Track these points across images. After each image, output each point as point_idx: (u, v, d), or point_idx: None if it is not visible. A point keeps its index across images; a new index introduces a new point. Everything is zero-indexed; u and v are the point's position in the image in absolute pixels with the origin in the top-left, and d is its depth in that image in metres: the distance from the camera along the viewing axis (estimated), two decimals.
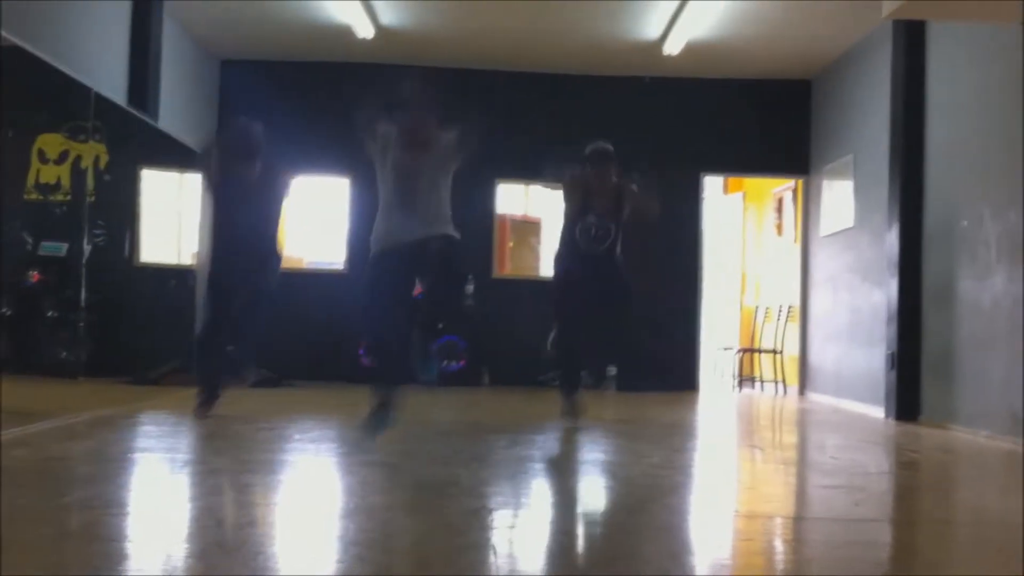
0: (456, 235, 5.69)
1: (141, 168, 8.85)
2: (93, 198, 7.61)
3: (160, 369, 8.97)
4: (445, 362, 10.85)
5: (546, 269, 11.79)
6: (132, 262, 8.57)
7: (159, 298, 9.33)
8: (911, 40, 8.63)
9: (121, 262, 8.33)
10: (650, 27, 9.95)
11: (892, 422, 8.39)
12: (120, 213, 8.38)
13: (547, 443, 6.44)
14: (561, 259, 7.38)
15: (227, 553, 3.24)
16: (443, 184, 5.75)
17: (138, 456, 5.42)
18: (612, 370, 11.17)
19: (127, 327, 8.39)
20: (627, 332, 7.48)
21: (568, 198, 7.30)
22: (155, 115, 9.09)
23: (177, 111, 9.85)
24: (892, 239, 8.74)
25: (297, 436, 6.27)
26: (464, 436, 6.74)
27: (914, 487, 5.43)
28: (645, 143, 11.14)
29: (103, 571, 2.83)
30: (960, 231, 7.74)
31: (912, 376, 8.44)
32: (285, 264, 11.19)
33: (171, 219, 9.58)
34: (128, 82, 8.92)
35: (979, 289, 7.39)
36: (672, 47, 10.24)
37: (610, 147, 7.20)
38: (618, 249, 7.29)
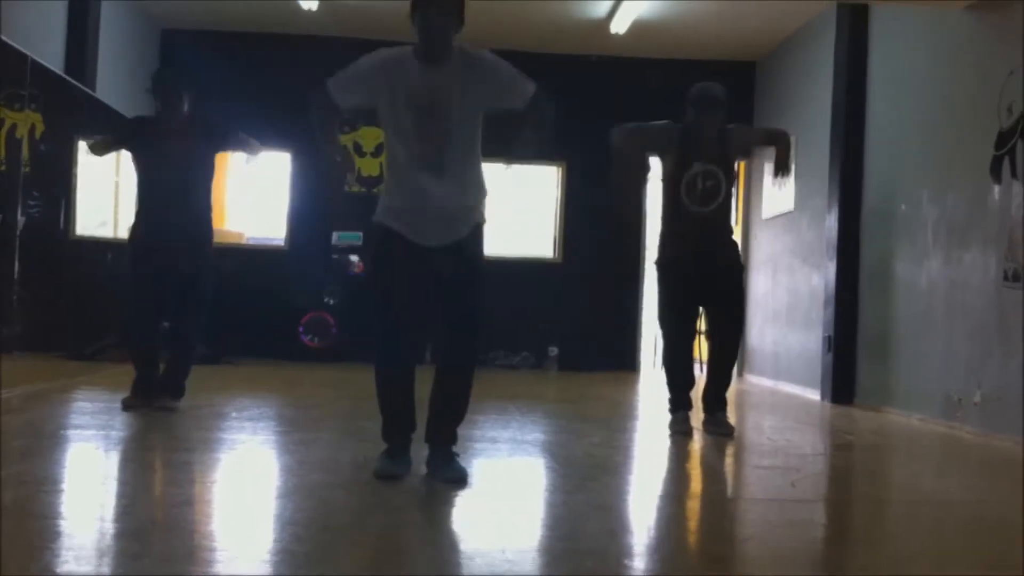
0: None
1: (78, 139, 8.67)
2: (28, 168, 7.45)
3: (95, 344, 8.83)
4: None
5: (506, 249, 11.77)
6: (68, 235, 8.41)
7: (95, 272, 9.17)
8: (854, 24, 8.71)
9: (56, 234, 8.17)
10: (597, 6, 9.94)
11: (828, 404, 8.50)
12: (56, 184, 8.21)
13: (488, 423, 6.44)
14: (664, 246, 6.16)
15: (162, 531, 3.20)
16: (478, 129, 4.26)
17: (72, 432, 5.34)
18: (554, 350, 11.22)
19: (62, 301, 8.24)
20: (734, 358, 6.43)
21: (662, 152, 6.16)
22: (92, 84, 8.92)
23: (116, 81, 9.67)
24: (831, 222, 8.83)
25: (235, 414, 6.20)
26: None
27: (848, 468, 5.51)
28: (590, 122, 11.14)
29: (37, 547, 2.79)
30: (899, 214, 7.84)
31: (848, 359, 8.56)
32: (225, 238, 11.08)
33: (108, 191, 9.42)
34: (65, 50, 8.74)
35: (916, 272, 7.50)
36: (619, 26, 10.24)
37: (721, 89, 6.13)
38: (730, 215, 6.26)
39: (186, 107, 5.98)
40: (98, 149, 6.33)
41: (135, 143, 6.05)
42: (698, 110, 6.03)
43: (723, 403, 6.12)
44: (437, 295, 4.19)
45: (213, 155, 6.12)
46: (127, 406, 5.81)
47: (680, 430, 5.95)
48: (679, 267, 6.00)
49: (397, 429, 4.20)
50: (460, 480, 4.02)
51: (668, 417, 6.10)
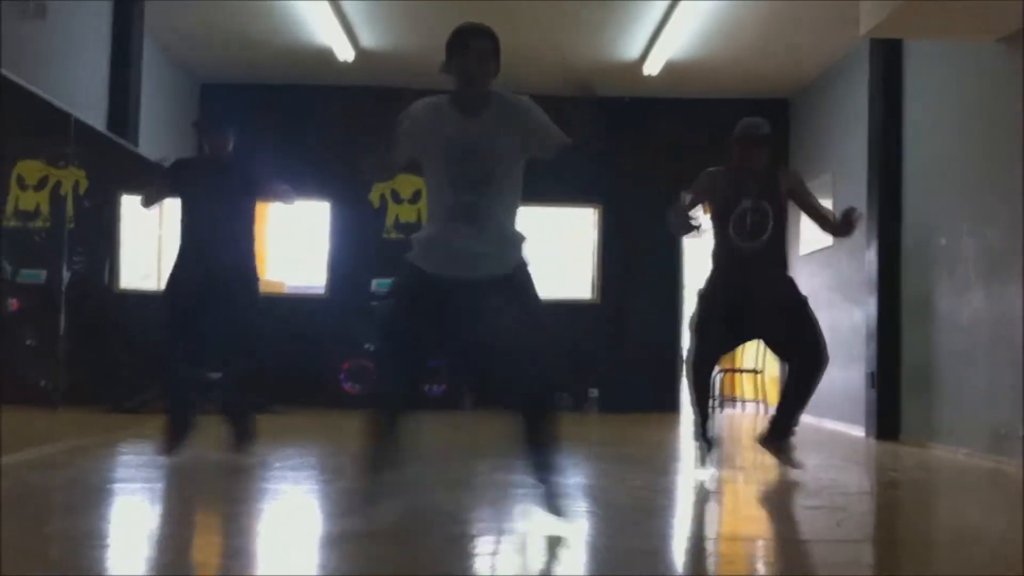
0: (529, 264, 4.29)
1: (121, 194, 8.81)
2: (73, 224, 7.58)
3: (140, 397, 8.91)
4: (427, 386, 10.83)
5: (574, 292, 11.77)
6: (112, 288, 8.53)
7: (139, 325, 9.28)
8: (888, 59, 8.70)
9: (101, 289, 8.29)
10: (630, 47, 10.00)
11: (872, 441, 8.41)
12: (99, 239, 8.34)
13: (528, 467, 6.42)
14: (711, 280, 6.09)
15: None
16: (518, 177, 4.20)
17: (117, 486, 5.38)
18: (594, 391, 11.18)
19: (107, 354, 8.34)
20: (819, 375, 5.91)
21: (710, 195, 6.18)
22: (135, 140, 9.07)
23: (157, 136, 9.83)
24: (871, 257, 8.78)
25: (278, 464, 6.23)
26: (446, 460, 6.72)
27: (895, 506, 5.44)
28: (625, 163, 11.18)
29: None
30: (938, 248, 7.78)
31: (892, 394, 8.47)
32: (266, 287, 11.19)
33: (151, 245, 9.55)
34: (108, 107, 8.91)
35: (958, 306, 7.43)
36: (652, 67, 10.30)
37: (766, 124, 6.14)
38: (784, 249, 6.12)
39: (230, 147, 6.00)
40: (147, 201, 6.28)
41: (180, 185, 6.01)
42: (744, 146, 6.03)
43: (787, 431, 5.97)
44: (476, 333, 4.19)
45: (254, 198, 6.10)
46: (164, 451, 5.79)
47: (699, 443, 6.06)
48: (720, 296, 5.93)
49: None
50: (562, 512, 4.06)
51: (708, 457, 6.11)
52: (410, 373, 4.27)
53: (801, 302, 5.98)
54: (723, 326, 5.90)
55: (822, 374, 5.78)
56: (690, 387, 6.10)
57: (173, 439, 5.81)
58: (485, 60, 4.11)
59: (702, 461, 6.05)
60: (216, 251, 5.78)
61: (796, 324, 5.89)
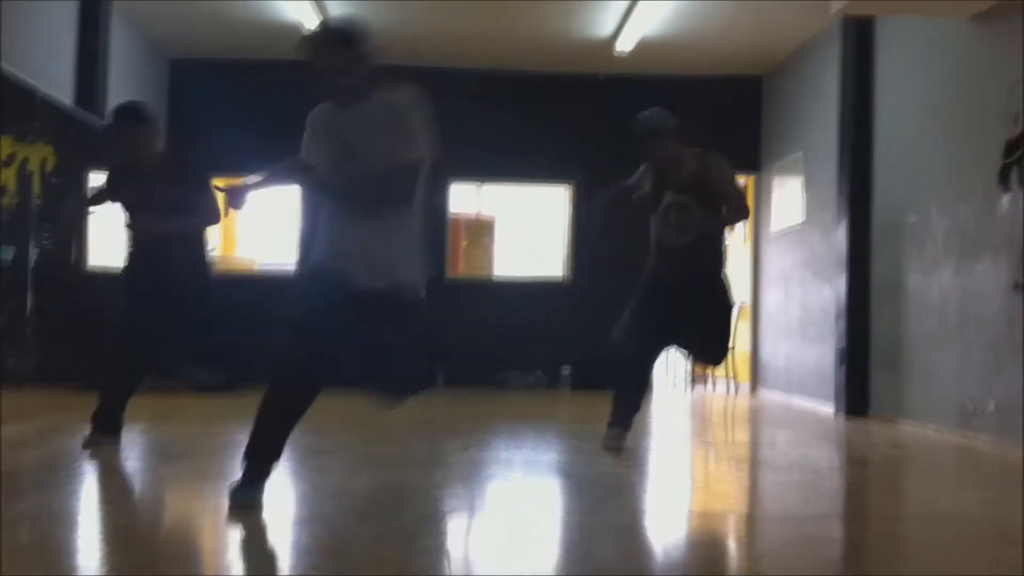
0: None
1: (89, 171, 8.72)
2: (40, 202, 7.49)
3: None
4: None
5: (547, 271, 11.79)
6: (80, 267, 8.45)
7: (108, 303, 9.21)
8: (860, 37, 8.73)
9: (69, 267, 8.21)
10: (602, 25, 9.97)
11: (842, 417, 8.48)
12: (67, 217, 8.25)
13: (501, 444, 6.44)
14: (645, 269, 6.10)
15: (179, 561, 3.21)
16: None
17: (87, 465, 5.35)
18: (566, 369, 11.21)
19: (75, 333, 8.27)
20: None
21: (644, 190, 6.01)
22: (103, 116, 8.97)
23: None
24: (841, 235, 8.82)
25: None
26: (418, 439, 6.72)
27: (864, 483, 5.49)
28: (598, 140, 11.19)
29: None
30: (908, 226, 7.83)
31: (861, 371, 8.54)
32: (235, 266, 11.12)
33: (119, 223, 9.44)
34: (75, 83, 8.81)
35: (927, 284, 7.49)
36: (624, 44, 10.27)
37: (658, 115, 5.88)
38: (719, 248, 5.93)
39: (155, 145, 5.63)
40: (93, 203, 5.97)
41: (117, 198, 5.67)
42: (642, 142, 5.84)
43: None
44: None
45: (203, 199, 5.51)
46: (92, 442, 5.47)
47: (611, 446, 5.77)
48: (651, 291, 5.92)
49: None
50: None
51: (679, 434, 6.10)
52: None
53: (724, 310, 5.90)
54: (651, 326, 5.86)
55: None
56: (626, 378, 5.94)
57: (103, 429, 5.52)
58: (329, 58, 4.05)
59: (615, 445, 5.81)
60: (161, 266, 5.50)
61: (712, 333, 5.88)
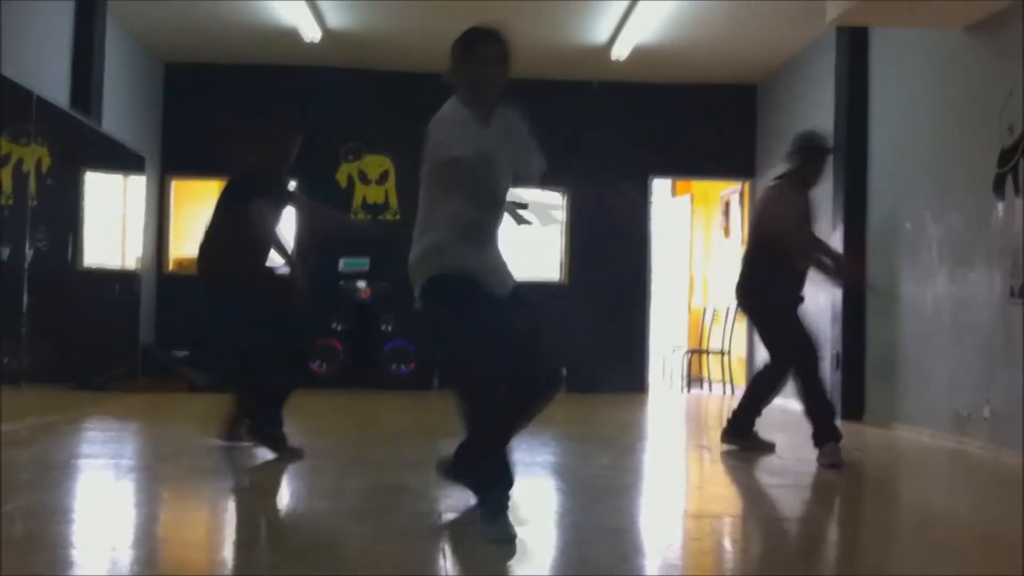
0: None
1: (84, 171, 8.72)
2: (35, 202, 7.49)
3: (105, 374, 8.86)
4: (395, 366, 10.82)
5: (542, 273, 11.77)
6: (75, 266, 8.44)
7: (103, 302, 9.21)
8: (854, 46, 8.76)
9: (64, 266, 8.20)
10: (598, 32, 9.99)
11: (838, 421, 8.47)
12: (63, 217, 8.25)
13: None
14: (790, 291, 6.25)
15: (174, 559, 3.21)
16: None
17: (82, 462, 5.35)
18: (562, 371, 11.20)
19: (71, 332, 8.26)
20: None
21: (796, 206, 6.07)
22: (98, 118, 8.98)
23: (121, 114, 9.74)
24: (836, 242, 8.83)
25: (244, 443, 6.21)
26: (413, 439, 6.72)
27: (859, 486, 5.50)
28: (594, 147, 11.21)
29: None
30: (903, 233, 7.85)
31: (857, 376, 8.55)
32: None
33: (115, 223, 9.45)
34: (71, 85, 8.81)
35: (922, 290, 7.50)
36: (620, 52, 10.29)
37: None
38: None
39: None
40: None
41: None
42: (817, 159, 6.12)
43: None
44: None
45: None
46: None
47: (838, 461, 5.74)
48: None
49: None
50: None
51: (674, 437, 6.13)
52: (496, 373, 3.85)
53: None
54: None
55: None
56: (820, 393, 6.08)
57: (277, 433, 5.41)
58: (507, 69, 3.93)
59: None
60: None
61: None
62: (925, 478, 5.76)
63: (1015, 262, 6.31)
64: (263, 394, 5.40)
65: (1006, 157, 6.47)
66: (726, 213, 12.92)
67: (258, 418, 5.34)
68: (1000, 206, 6.50)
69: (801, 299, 6.23)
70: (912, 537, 4.07)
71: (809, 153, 6.09)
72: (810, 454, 6.47)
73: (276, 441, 5.29)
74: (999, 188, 6.52)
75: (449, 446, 6.17)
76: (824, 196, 9.20)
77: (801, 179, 6.07)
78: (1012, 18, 6.47)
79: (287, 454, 5.26)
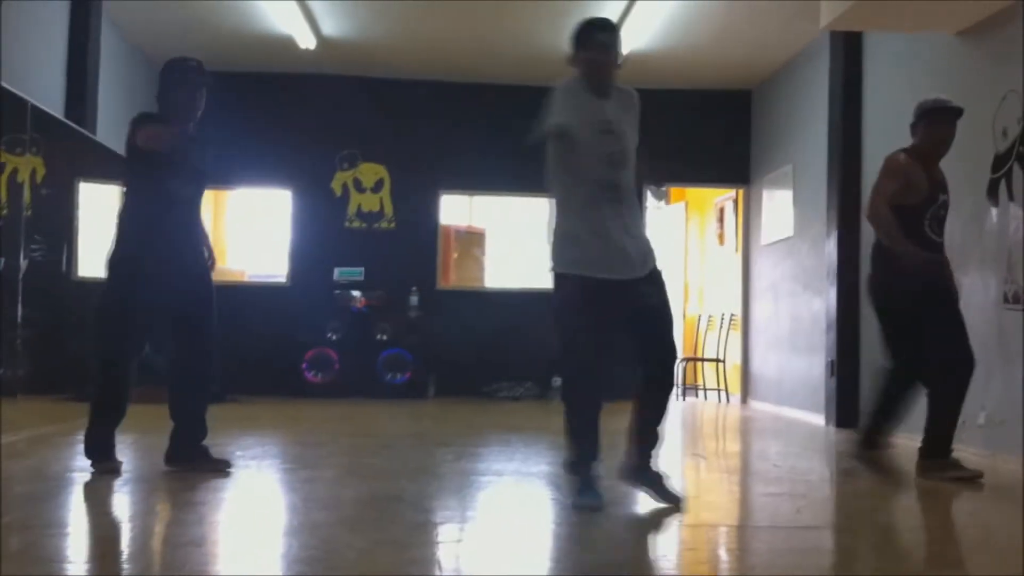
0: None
1: (79, 181, 8.71)
2: (30, 212, 7.48)
3: None
4: (390, 375, 10.81)
5: (537, 282, 11.76)
6: (70, 277, 8.43)
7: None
8: (848, 50, 8.78)
9: (59, 277, 8.19)
10: None
11: (832, 428, 8.49)
12: (58, 227, 8.24)
13: (492, 456, 6.44)
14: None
15: (169, 573, 3.20)
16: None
17: (78, 475, 5.33)
18: (557, 380, 11.20)
19: (66, 343, 8.25)
20: None
21: (912, 182, 5.49)
22: (93, 127, 8.98)
23: (115, 123, 9.72)
24: (831, 248, 8.86)
25: (239, 453, 6.20)
26: (410, 449, 6.72)
27: (854, 494, 5.50)
28: None
29: None
30: None
31: (851, 383, 8.56)
32: (226, 276, 11.11)
33: (110, 233, 9.43)
34: (66, 93, 8.81)
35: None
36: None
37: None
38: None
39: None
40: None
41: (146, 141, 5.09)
42: (948, 122, 5.56)
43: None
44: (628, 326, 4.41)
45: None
46: (105, 470, 5.06)
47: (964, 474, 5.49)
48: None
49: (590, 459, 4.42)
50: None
51: (670, 445, 6.10)
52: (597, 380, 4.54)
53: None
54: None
55: None
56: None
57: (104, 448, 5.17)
58: (613, 51, 4.39)
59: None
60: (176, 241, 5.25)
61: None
62: (920, 486, 5.75)
63: (1009, 268, 6.32)
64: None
65: (1000, 162, 6.49)
66: (720, 220, 12.93)
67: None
68: (994, 211, 6.51)
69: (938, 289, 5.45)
70: (908, 545, 4.07)
71: (935, 117, 5.56)
72: (806, 462, 6.46)
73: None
74: (993, 193, 6.53)
75: (444, 455, 6.19)
76: (818, 201, 9.23)
77: (927, 151, 5.55)
78: (1005, 23, 6.50)
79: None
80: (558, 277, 4.32)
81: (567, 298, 4.28)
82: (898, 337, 5.55)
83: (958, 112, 5.59)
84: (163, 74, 5.36)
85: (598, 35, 4.37)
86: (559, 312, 4.39)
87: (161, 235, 5.10)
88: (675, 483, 4.83)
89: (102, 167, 9.29)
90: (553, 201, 4.50)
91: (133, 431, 6.33)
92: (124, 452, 5.79)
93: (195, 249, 5.31)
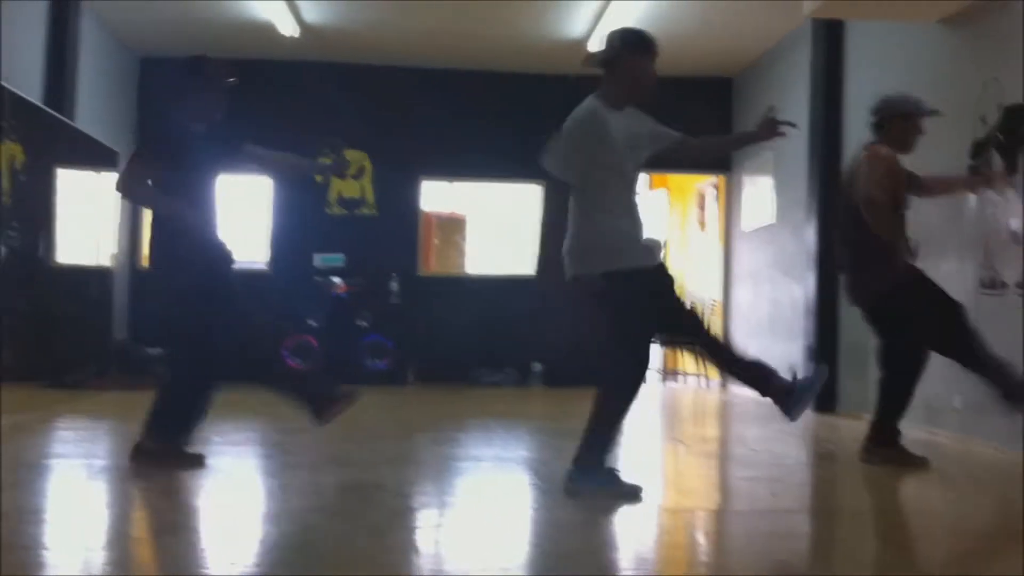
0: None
1: (57, 168, 8.67)
2: (8, 199, 7.44)
3: (78, 372, 8.81)
4: (371, 361, 10.81)
5: (488, 267, 11.82)
6: (48, 263, 8.39)
7: (76, 300, 9.16)
8: (829, 38, 8.80)
9: (37, 264, 8.15)
10: (575, 26, 10.00)
11: (811, 413, 8.53)
12: (36, 214, 8.20)
13: (471, 441, 6.46)
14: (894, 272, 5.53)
15: (147, 559, 3.21)
16: None
17: (55, 462, 5.33)
18: (538, 366, 11.23)
19: (44, 330, 8.22)
20: None
21: (902, 180, 5.60)
22: (72, 114, 8.93)
23: (95, 110, 9.68)
24: (811, 234, 8.89)
25: (218, 439, 6.20)
26: (389, 436, 6.72)
27: (830, 478, 5.54)
28: None
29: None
30: None
31: (830, 367, 8.59)
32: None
33: (88, 220, 9.41)
34: (44, 80, 8.75)
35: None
36: (597, 45, 10.29)
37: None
38: None
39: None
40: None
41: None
42: (918, 125, 5.66)
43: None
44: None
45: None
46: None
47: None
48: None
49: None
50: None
51: (650, 430, 6.12)
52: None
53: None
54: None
55: None
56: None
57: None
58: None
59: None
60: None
61: None
62: (895, 469, 5.79)
63: (987, 254, 6.36)
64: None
65: (979, 149, 6.52)
66: (702, 207, 12.96)
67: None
68: (972, 198, 6.55)
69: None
70: (885, 528, 4.11)
71: (916, 119, 5.62)
72: (784, 446, 6.50)
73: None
74: None
75: (424, 441, 6.20)
76: (799, 188, 9.26)
77: (902, 149, 5.61)
78: (986, 11, 6.52)
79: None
80: (627, 274, 4.31)
81: (644, 291, 4.33)
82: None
83: (927, 113, 5.70)
84: (184, 73, 5.19)
85: (654, 48, 4.54)
86: (633, 306, 4.34)
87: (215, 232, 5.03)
88: (654, 468, 4.86)
89: (81, 153, 9.25)
90: (573, 201, 4.50)
91: (112, 418, 6.34)
92: (102, 439, 5.79)
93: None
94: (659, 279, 4.44)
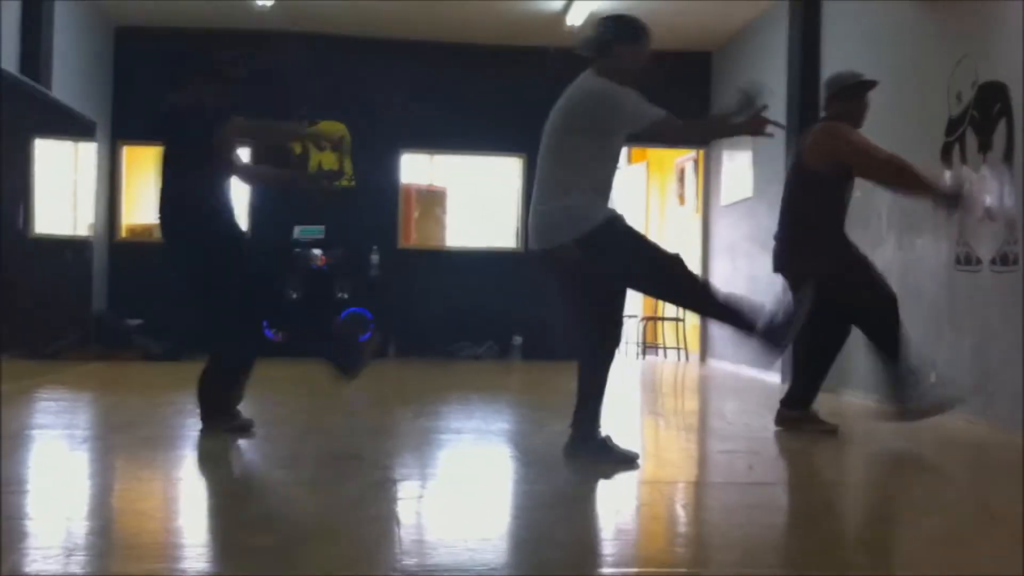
0: None
1: (34, 138, 8.61)
2: None
3: (57, 343, 8.79)
4: (350, 333, 10.81)
5: (468, 240, 11.83)
6: (26, 234, 8.35)
7: (55, 270, 9.12)
8: (807, 14, 8.83)
9: (14, 234, 8.11)
10: None
11: (787, 387, 8.59)
12: (13, 185, 8.15)
13: (452, 414, 6.49)
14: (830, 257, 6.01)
15: (129, 529, 3.23)
16: None
17: (36, 432, 5.33)
18: (517, 339, 11.27)
19: (22, 300, 8.19)
20: None
21: (837, 157, 5.86)
22: (48, 83, 8.86)
23: (70, 79, 9.61)
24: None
25: (198, 411, 6.21)
26: (369, 408, 6.75)
27: (806, 451, 5.60)
28: (549, 113, 11.19)
29: (5, 547, 2.80)
30: (853, 202, 7.92)
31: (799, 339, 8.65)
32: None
33: (66, 190, 9.36)
34: (20, 49, 8.67)
35: (871, 257, 7.58)
36: (575, 18, 10.29)
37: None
38: None
39: None
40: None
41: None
42: (860, 100, 5.87)
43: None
44: None
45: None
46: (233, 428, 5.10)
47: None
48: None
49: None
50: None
51: (629, 404, 6.17)
52: None
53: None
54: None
55: None
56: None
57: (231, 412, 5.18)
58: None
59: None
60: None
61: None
62: (870, 443, 5.86)
63: (961, 231, 6.42)
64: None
65: (953, 126, 6.57)
66: (681, 181, 12.99)
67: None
68: (947, 175, 6.60)
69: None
70: (855, 501, 4.17)
71: (863, 91, 5.84)
72: (761, 420, 6.57)
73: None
74: (946, 157, 6.61)
75: (404, 414, 6.22)
76: (777, 162, 9.30)
77: (855, 124, 5.80)
78: None
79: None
80: (612, 221, 4.54)
81: (618, 235, 4.54)
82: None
83: (871, 85, 5.90)
84: (194, 64, 5.58)
85: (649, 34, 4.92)
86: (611, 256, 4.51)
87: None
88: (633, 441, 4.89)
89: (57, 124, 9.18)
90: (567, 170, 4.86)
91: (92, 389, 6.34)
92: (82, 410, 5.79)
93: None
94: (626, 223, 4.60)
